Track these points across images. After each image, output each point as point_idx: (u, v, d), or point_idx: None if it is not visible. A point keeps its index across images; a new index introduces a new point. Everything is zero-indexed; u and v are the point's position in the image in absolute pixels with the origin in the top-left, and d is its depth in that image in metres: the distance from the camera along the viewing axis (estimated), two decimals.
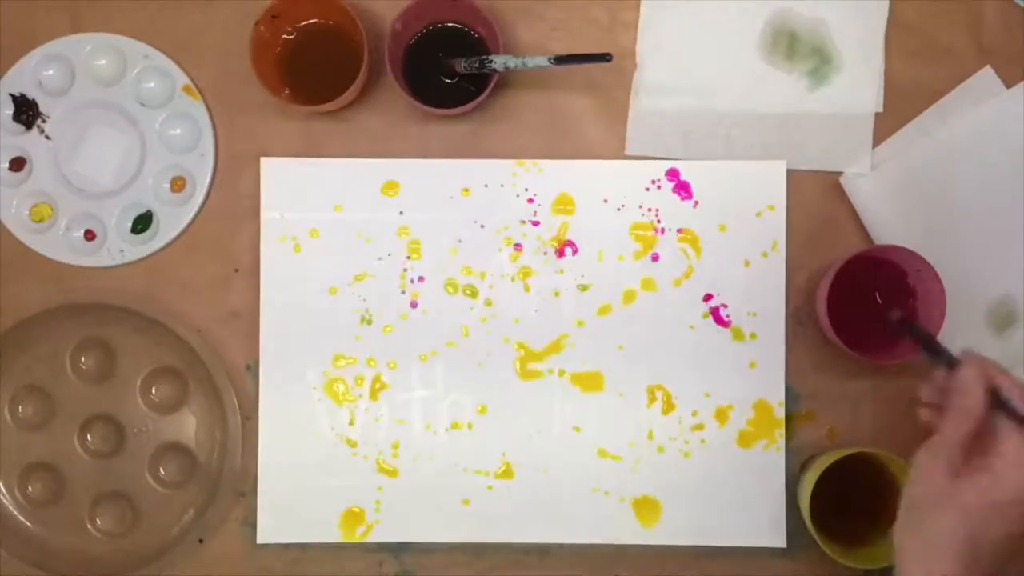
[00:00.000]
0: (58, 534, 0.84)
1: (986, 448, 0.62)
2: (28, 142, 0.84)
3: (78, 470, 0.84)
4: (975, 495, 0.61)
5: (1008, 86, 0.82)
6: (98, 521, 0.84)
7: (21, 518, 0.84)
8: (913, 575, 0.63)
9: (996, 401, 0.63)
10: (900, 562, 0.64)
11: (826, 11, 0.83)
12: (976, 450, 0.63)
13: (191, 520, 0.83)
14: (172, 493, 0.84)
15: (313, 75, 0.81)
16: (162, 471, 0.84)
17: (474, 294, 0.83)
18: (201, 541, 0.82)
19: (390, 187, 0.83)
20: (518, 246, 0.83)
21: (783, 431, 0.82)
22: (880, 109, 0.83)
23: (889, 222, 0.81)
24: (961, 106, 0.82)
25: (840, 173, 0.82)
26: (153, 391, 0.84)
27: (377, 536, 0.82)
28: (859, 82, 0.83)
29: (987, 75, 0.82)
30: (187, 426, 0.84)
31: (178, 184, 0.83)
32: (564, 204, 0.83)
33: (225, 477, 0.82)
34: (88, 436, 0.84)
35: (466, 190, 0.83)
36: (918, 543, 0.63)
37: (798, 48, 0.83)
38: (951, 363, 0.66)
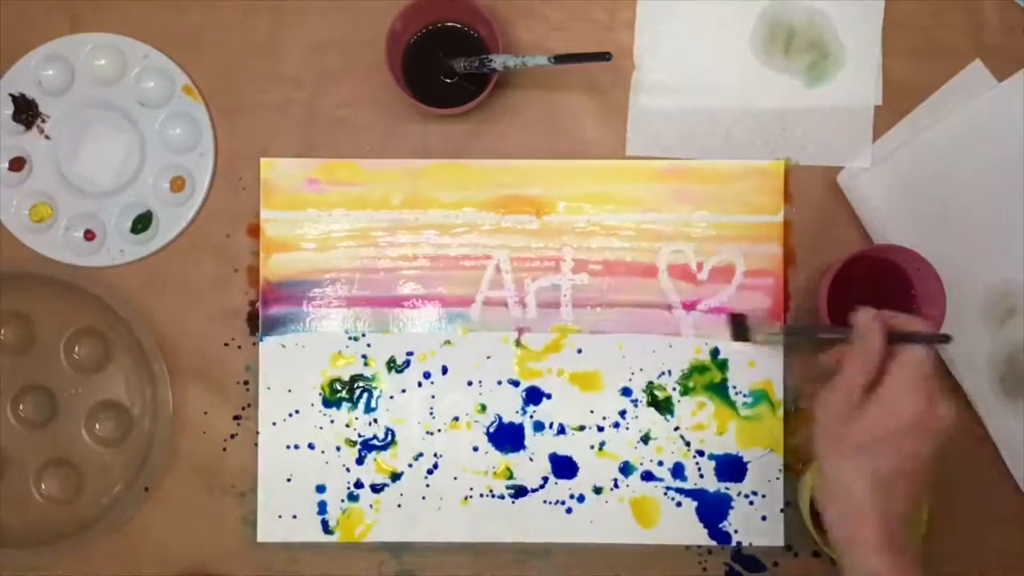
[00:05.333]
0: (6, 508, 0.83)
1: (879, 385, 0.63)
2: (28, 142, 0.84)
3: (17, 442, 0.84)
4: (865, 431, 0.62)
5: (1001, 80, 0.83)
6: (43, 487, 0.84)
7: None
8: (838, 542, 0.63)
9: (893, 338, 0.65)
10: (828, 529, 0.64)
11: (823, 5, 0.83)
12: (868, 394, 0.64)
13: (133, 474, 0.83)
14: (112, 451, 0.84)
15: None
16: (98, 429, 0.84)
17: (475, 292, 0.83)
18: (147, 489, 0.82)
19: (391, 195, 0.83)
20: (518, 246, 0.83)
21: (782, 430, 0.82)
22: (879, 102, 0.83)
23: (887, 219, 0.81)
24: (953, 101, 0.82)
25: (841, 168, 0.82)
26: (76, 353, 0.84)
27: (377, 536, 0.82)
28: (858, 76, 0.83)
29: (977, 68, 0.82)
30: (116, 383, 0.84)
31: (178, 184, 0.83)
32: (563, 204, 0.83)
33: (160, 427, 0.82)
34: (21, 407, 0.84)
35: (466, 196, 0.83)
36: (834, 509, 0.64)
37: (796, 43, 0.83)
38: (845, 334, 0.68)
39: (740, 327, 0.81)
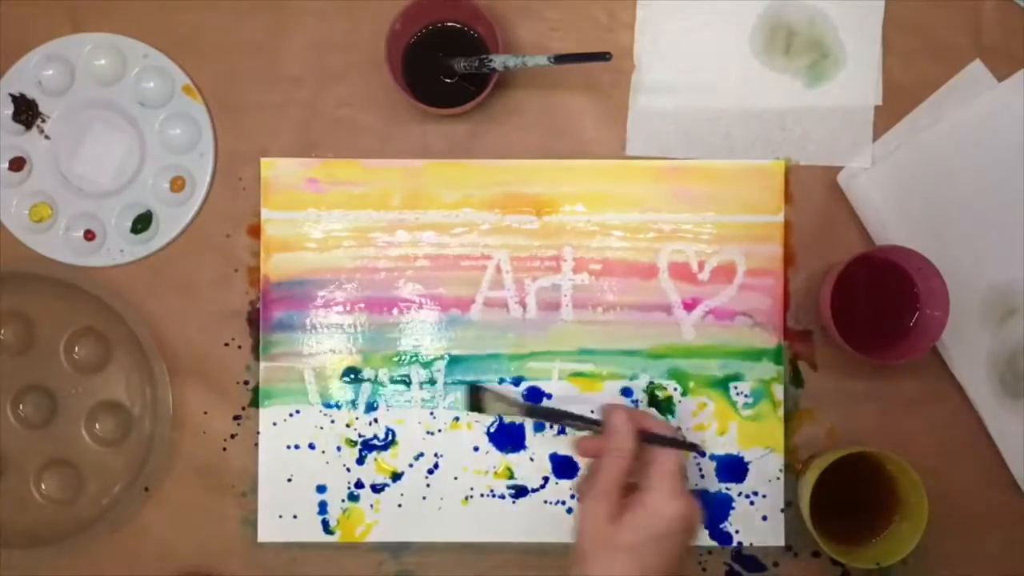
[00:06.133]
0: (6, 508, 0.83)
1: (640, 488, 0.68)
2: (28, 142, 0.84)
3: (17, 442, 0.84)
4: (633, 533, 0.66)
5: (1001, 80, 0.83)
6: (43, 487, 0.84)
7: None
8: None
9: (644, 437, 0.70)
10: None
11: (823, 5, 0.83)
12: (630, 494, 0.68)
13: (133, 474, 0.83)
14: (112, 451, 0.84)
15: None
16: (98, 429, 0.84)
17: (475, 293, 0.83)
18: (147, 489, 0.82)
19: (391, 195, 0.83)
20: (518, 246, 0.83)
21: (783, 430, 0.82)
22: (879, 102, 0.83)
23: (887, 219, 0.81)
24: (953, 101, 0.82)
25: (841, 168, 0.82)
26: (76, 353, 0.84)
27: (377, 536, 0.82)
28: (858, 75, 0.83)
29: (977, 68, 0.82)
30: (116, 383, 0.84)
31: (178, 184, 0.83)
32: (563, 205, 0.83)
33: (160, 427, 0.82)
34: (21, 407, 0.84)
35: (466, 196, 0.83)
36: None
37: (796, 43, 0.83)
38: (595, 422, 0.74)
39: (475, 398, 0.79)
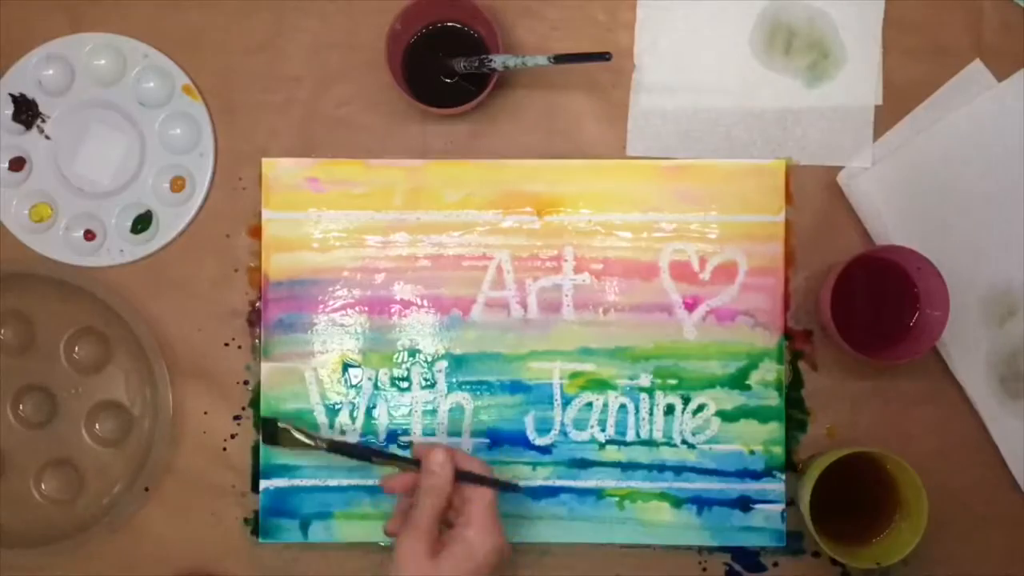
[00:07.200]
0: (6, 508, 0.83)
1: (457, 524, 0.71)
2: (28, 142, 0.84)
3: (17, 442, 0.84)
4: (454, 568, 0.68)
5: (1001, 80, 0.83)
6: (43, 487, 0.84)
7: None
8: None
9: (459, 475, 0.72)
10: None
11: (824, 5, 0.83)
12: (448, 530, 0.71)
13: (133, 474, 0.83)
14: (112, 451, 0.84)
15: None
16: (98, 429, 0.84)
17: (476, 293, 0.83)
18: (147, 489, 0.82)
19: (391, 195, 0.83)
20: (519, 246, 0.83)
21: (783, 430, 0.82)
22: (879, 102, 0.83)
23: (887, 219, 0.81)
24: (953, 101, 0.82)
25: (841, 168, 0.83)
26: (76, 353, 0.84)
27: (377, 536, 0.82)
28: (858, 75, 0.83)
29: (977, 68, 0.82)
30: (116, 383, 0.84)
31: (178, 184, 0.83)
32: (564, 204, 0.83)
33: (160, 427, 0.82)
34: (21, 407, 0.84)
35: (467, 195, 0.83)
36: None
37: (796, 43, 0.83)
38: (406, 460, 0.75)
39: (269, 431, 0.76)
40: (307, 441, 0.76)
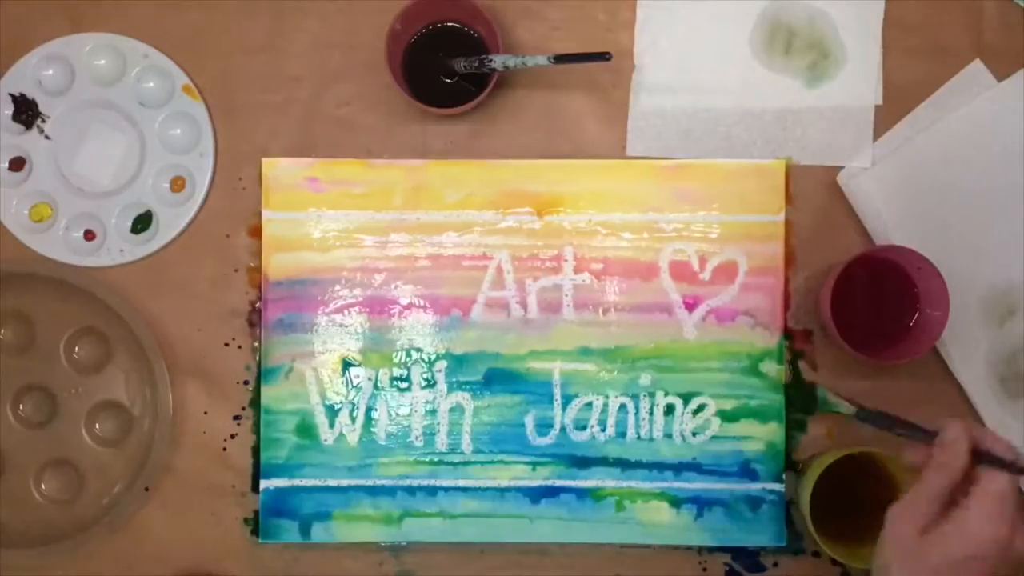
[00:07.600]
0: (6, 508, 0.83)
1: (959, 504, 0.62)
2: (28, 142, 0.84)
3: (17, 442, 0.84)
4: (942, 553, 0.62)
5: (1001, 80, 0.83)
6: (43, 487, 0.84)
7: None
8: None
9: (978, 456, 0.63)
10: None
11: (824, 5, 0.83)
12: (949, 510, 0.63)
13: (133, 474, 0.83)
14: (112, 451, 0.84)
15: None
16: (98, 429, 0.84)
17: (476, 293, 0.83)
18: (147, 489, 0.82)
19: (392, 195, 0.83)
20: (519, 246, 0.83)
21: (783, 430, 0.82)
22: (879, 102, 0.83)
23: (887, 219, 0.81)
24: (953, 101, 0.82)
25: (841, 168, 0.83)
26: (76, 353, 0.84)
27: (377, 536, 0.82)
28: (858, 75, 0.83)
29: (977, 68, 0.83)
30: (116, 383, 0.84)
31: (178, 184, 0.83)
32: (564, 204, 0.83)
33: (160, 427, 0.82)
34: (21, 407, 0.84)
35: (467, 195, 0.83)
36: None
37: (796, 43, 0.83)
38: (927, 432, 0.67)
39: (810, 396, 0.79)
40: (840, 408, 0.74)
